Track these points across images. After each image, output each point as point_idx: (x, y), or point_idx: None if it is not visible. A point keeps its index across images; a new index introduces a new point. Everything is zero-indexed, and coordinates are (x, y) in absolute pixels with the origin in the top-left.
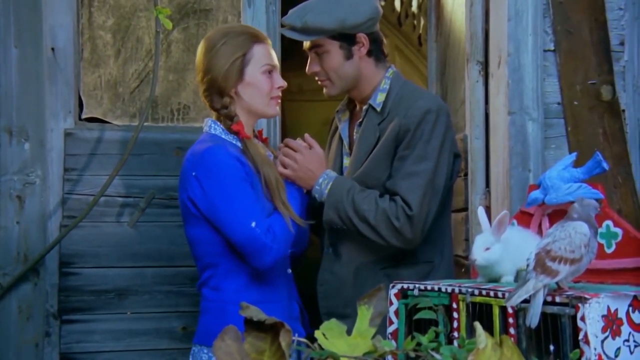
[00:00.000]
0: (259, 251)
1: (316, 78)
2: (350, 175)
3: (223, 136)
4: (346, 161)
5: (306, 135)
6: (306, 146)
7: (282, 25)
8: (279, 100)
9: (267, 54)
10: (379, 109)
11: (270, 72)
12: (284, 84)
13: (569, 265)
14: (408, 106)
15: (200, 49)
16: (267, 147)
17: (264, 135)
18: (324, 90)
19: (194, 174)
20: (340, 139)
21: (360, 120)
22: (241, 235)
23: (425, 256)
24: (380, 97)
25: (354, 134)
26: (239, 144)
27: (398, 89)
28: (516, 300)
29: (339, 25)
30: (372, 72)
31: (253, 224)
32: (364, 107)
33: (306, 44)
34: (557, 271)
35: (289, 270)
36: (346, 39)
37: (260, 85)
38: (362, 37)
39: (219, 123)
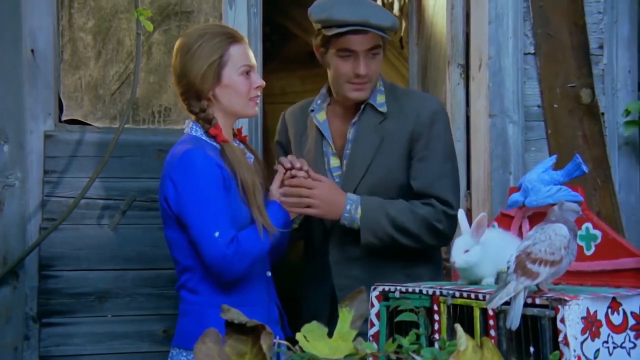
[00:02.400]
0: (218, 261)
1: (354, 80)
2: (348, 175)
3: (204, 138)
4: (334, 161)
5: (311, 172)
6: (317, 180)
7: (357, 24)
8: (258, 100)
9: (244, 54)
10: (382, 110)
11: (248, 72)
12: (263, 83)
13: (549, 267)
14: (416, 107)
15: (175, 52)
16: (247, 146)
17: (244, 134)
18: (359, 93)
19: (170, 175)
20: (320, 139)
21: (357, 119)
22: (202, 243)
23: (436, 254)
24: (380, 98)
25: (347, 134)
26: (219, 146)
27: (389, 89)
28: (497, 302)
29: (396, 26)
30: None
31: (216, 234)
32: (362, 107)
33: (365, 45)
34: (538, 273)
35: (269, 273)
36: (385, 40)
37: (238, 87)
38: (386, 40)
39: (199, 124)
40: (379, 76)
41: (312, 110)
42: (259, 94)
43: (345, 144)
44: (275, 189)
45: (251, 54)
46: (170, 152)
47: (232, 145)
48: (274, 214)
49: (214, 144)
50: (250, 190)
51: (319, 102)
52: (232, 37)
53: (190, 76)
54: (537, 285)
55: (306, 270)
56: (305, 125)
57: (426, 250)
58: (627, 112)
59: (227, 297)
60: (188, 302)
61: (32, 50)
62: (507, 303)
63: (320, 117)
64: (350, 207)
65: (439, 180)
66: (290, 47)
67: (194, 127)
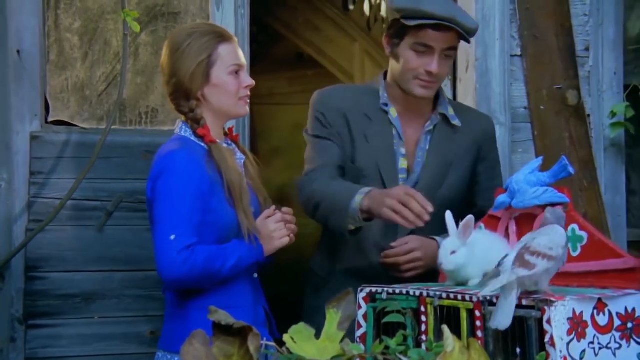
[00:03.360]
0: (165, 265)
1: (423, 77)
2: (423, 186)
3: (192, 138)
4: (402, 163)
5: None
6: (412, 245)
7: (445, 20)
8: (248, 100)
9: (234, 54)
10: (456, 123)
11: (237, 72)
12: (252, 82)
13: (546, 260)
14: (480, 124)
15: (164, 51)
16: (239, 147)
17: (235, 133)
18: (425, 91)
19: (152, 174)
20: (390, 134)
21: (432, 128)
22: (157, 243)
23: None
24: (451, 110)
25: (418, 140)
26: (207, 146)
27: (452, 101)
28: (488, 290)
29: (477, 31)
30: None
31: (172, 237)
32: (433, 116)
33: (443, 43)
34: (534, 265)
35: (255, 275)
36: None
37: (228, 86)
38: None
39: (189, 125)
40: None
41: (386, 105)
42: (249, 93)
43: (416, 151)
44: (260, 220)
45: (241, 53)
46: (157, 152)
47: (219, 147)
48: (250, 244)
49: (202, 144)
50: (237, 192)
51: (386, 95)
52: (221, 36)
53: (179, 76)
54: (537, 284)
55: (339, 261)
56: (369, 115)
57: None
58: (613, 114)
59: (212, 299)
60: (173, 304)
61: (18, 51)
62: (493, 304)
63: (393, 113)
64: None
65: None
66: (278, 49)
67: (184, 127)
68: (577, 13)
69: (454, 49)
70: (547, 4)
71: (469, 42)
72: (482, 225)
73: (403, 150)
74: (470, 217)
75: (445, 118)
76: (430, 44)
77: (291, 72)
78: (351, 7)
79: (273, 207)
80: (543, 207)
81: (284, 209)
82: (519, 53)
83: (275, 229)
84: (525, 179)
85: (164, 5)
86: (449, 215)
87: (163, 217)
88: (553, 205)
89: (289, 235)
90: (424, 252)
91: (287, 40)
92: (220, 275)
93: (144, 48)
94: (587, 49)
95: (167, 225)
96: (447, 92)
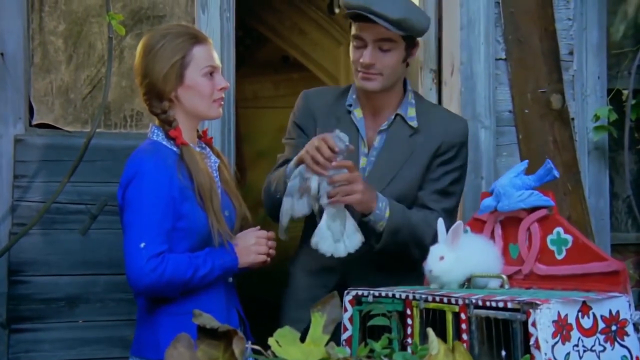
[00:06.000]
0: (134, 272)
1: (360, 68)
2: (370, 182)
3: (164, 142)
4: (363, 162)
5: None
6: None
7: (365, 11)
8: (222, 102)
9: (208, 55)
10: (413, 124)
11: (211, 73)
12: (227, 84)
13: None
14: (447, 124)
15: (138, 51)
16: (212, 149)
17: (210, 136)
18: (366, 82)
19: (121, 181)
20: (356, 136)
21: (385, 128)
22: (126, 251)
23: None
24: (411, 111)
25: (375, 138)
26: (178, 149)
27: (420, 103)
28: None
29: (424, 29)
30: (402, 80)
31: (142, 245)
32: (390, 116)
33: (372, 35)
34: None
35: (230, 279)
36: (411, 41)
37: (201, 88)
38: (418, 44)
39: (161, 129)
40: (410, 89)
41: (350, 105)
42: (223, 95)
43: (370, 150)
44: (244, 232)
45: (215, 55)
46: (128, 158)
47: (190, 149)
48: (224, 254)
49: (174, 148)
50: (207, 195)
51: (354, 96)
52: (195, 38)
53: (152, 76)
54: None
55: (300, 261)
56: (337, 115)
57: None
58: (597, 118)
59: (183, 305)
60: (144, 310)
61: (2, 54)
62: (483, 308)
63: (358, 114)
64: (382, 205)
65: (443, 200)
66: (264, 52)
67: (156, 131)
68: (561, 17)
69: (389, 41)
70: (531, 8)
71: (414, 36)
72: (468, 228)
73: (365, 150)
74: (458, 223)
75: (402, 119)
76: (362, 36)
77: (276, 75)
78: (336, 10)
79: (258, 227)
80: (528, 210)
81: (270, 233)
82: (503, 57)
83: (256, 243)
84: (511, 182)
85: (149, 9)
86: (440, 222)
87: (133, 225)
88: (538, 208)
89: (266, 255)
90: (364, 188)
91: (273, 44)
92: (191, 284)
93: (128, 51)
94: (571, 53)
95: (137, 232)
96: (432, 96)
